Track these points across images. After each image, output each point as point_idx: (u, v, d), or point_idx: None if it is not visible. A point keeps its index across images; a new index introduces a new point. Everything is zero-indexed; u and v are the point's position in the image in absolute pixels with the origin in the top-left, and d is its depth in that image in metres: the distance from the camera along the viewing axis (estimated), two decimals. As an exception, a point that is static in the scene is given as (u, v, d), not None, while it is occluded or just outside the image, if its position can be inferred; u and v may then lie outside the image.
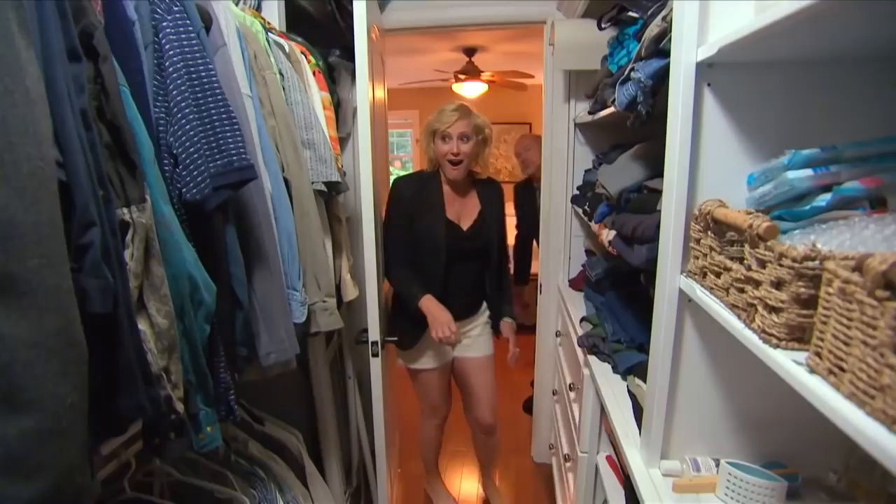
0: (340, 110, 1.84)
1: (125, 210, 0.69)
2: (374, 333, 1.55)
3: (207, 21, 0.92)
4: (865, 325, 0.41)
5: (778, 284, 0.53)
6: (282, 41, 1.28)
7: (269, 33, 1.21)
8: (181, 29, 0.79)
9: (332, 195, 1.36)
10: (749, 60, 0.73)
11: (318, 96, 1.36)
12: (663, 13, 0.84)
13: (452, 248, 1.70)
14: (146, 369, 0.70)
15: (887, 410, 0.39)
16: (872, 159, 0.61)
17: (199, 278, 0.79)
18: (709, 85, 0.75)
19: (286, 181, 1.14)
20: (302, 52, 1.38)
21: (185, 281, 0.77)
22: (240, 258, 0.91)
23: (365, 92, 1.36)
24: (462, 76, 4.30)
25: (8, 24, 0.50)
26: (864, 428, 0.40)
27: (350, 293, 1.47)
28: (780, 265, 0.52)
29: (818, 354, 0.48)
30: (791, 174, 0.62)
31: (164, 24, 0.77)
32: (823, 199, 0.59)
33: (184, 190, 0.77)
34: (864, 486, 0.78)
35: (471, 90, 4.44)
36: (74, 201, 0.61)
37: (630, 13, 1.17)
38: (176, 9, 0.79)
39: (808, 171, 0.61)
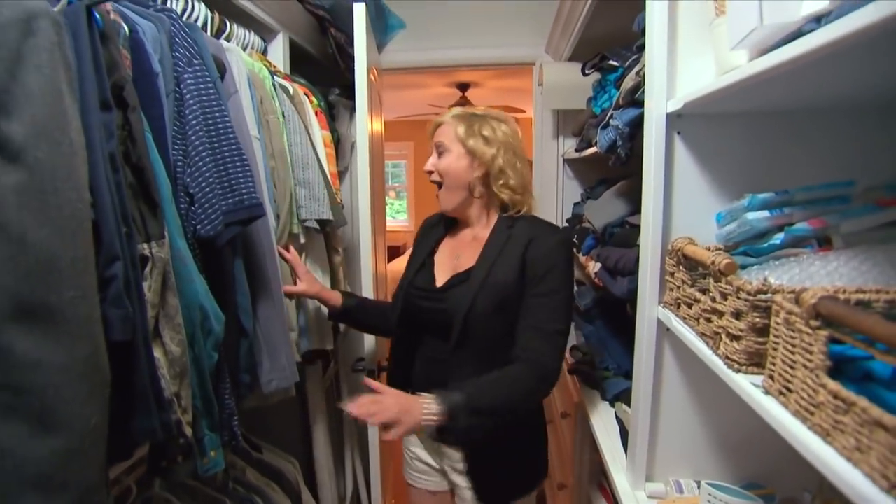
0: (340, 146, 1.92)
1: (145, 245, 0.75)
2: (371, 361, 1.59)
3: (222, 70, 1.00)
4: (804, 350, 0.48)
5: (737, 315, 0.59)
6: (286, 84, 1.37)
7: (275, 76, 1.30)
8: (200, 80, 0.87)
9: (326, 230, 1.43)
10: (712, 112, 0.82)
11: (319, 135, 1.44)
12: (637, 68, 0.94)
13: (407, 311, 1.15)
14: (160, 394, 0.74)
15: (822, 424, 0.45)
16: (819, 202, 0.69)
17: (209, 308, 0.84)
18: (678, 133, 0.84)
19: (277, 217, 1.20)
20: (305, 94, 1.47)
21: (196, 311, 0.82)
22: (246, 289, 0.96)
23: (364, 133, 1.44)
24: (455, 110, 4.46)
25: (59, 84, 0.57)
26: (805, 440, 0.45)
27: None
28: (738, 298, 0.59)
29: (771, 377, 0.54)
30: (750, 215, 0.70)
31: (186, 76, 0.85)
32: (778, 238, 0.67)
33: (198, 226, 0.83)
34: (837, 503, 0.83)
35: (464, 123, 4.59)
36: (101, 237, 0.67)
37: (611, 61, 1.27)
38: (196, 62, 0.87)
39: (766, 213, 0.69)
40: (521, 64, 2.33)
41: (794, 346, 0.49)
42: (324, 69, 1.93)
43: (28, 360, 0.53)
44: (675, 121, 0.83)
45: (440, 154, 1.12)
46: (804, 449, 0.46)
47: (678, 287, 0.80)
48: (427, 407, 0.89)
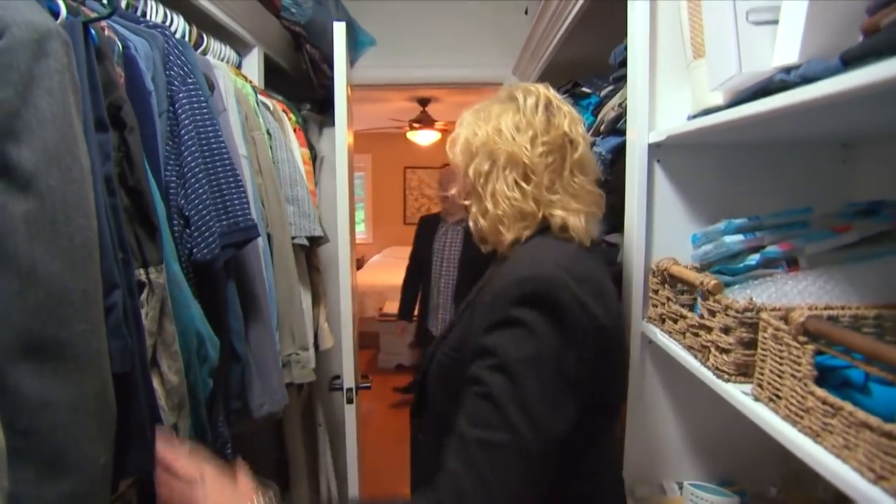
0: (316, 162, 1.90)
1: (142, 271, 0.72)
2: (348, 380, 1.57)
3: (211, 87, 0.98)
4: (793, 362, 0.54)
5: (726, 330, 0.66)
6: (266, 101, 1.35)
7: (257, 95, 1.28)
8: (194, 99, 0.85)
9: (312, 248, 1.41)
10: (689, 143, 0.90)
11: (298, 153, 1.43)
12: (618, 100, 1.02)
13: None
14: (158, 427, 0.71)
15: (812, 426, 0.52)
16: (785, 226, 0.78)
17: (205, 334, 0.82)
18: (658, 161, 0.91)
19: (268, 236, 1.18)
20: (283, 111, 1.45)
21: (192, 337, 0.79)
22: (239, 312, 0.94)
23: (344, 149, 1.45)
24: (416, 125, 4.51)
25: (69, 107, 0.55)
26: (798, 441, 0.52)
27: (327, 341, 1.50)
28: (727, 315, 0.65)
29: (760, 385, 0.61)
30: (727, 238, 0.77)
31: (181, 95, 0.83)
32: (753, 259, 0.74)
33: (195, 250, 0.81)
34: (797, 494, 0.92)
35: (424, 138, 4.66)
36: (100, 265, 0.65)
37: (583, 88, 1.36)
38: (190, 80, 0.85)
39: (740, 237, 0.77)
40: (488, 84, 2.41)
41: (781, 358, 0.56)
42: (294, 84, 1.91)
43: (36, 400, 0.50)
44: (655, 150, 0.91)
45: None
46: (797, 449, 0.52)
47: (663, 304, 0.86)
48: None
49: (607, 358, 0.67)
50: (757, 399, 0.60)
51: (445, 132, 4.68)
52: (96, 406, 0.55)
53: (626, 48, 1.07)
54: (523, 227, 0.73)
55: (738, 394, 0.63)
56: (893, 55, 0.44)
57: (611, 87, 1.13)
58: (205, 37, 1.24)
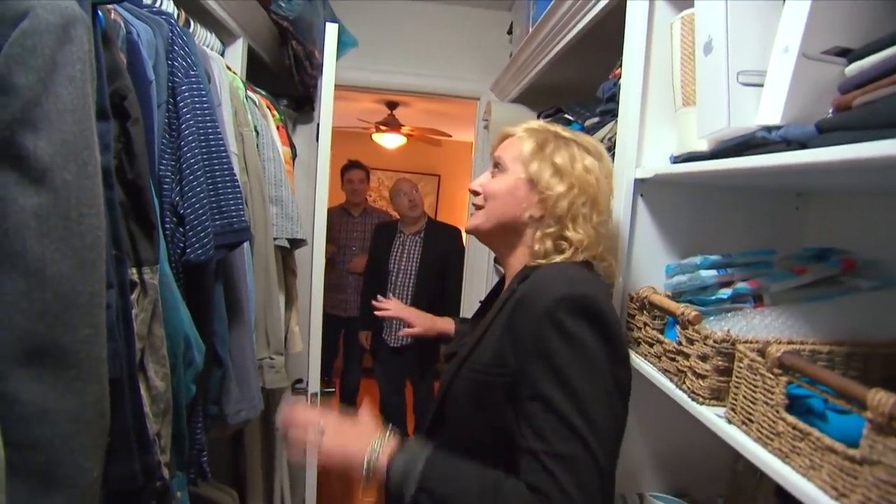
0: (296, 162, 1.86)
1: (134, 271, 0.69)
2: (313, 384, 1.54)
3: (207, 80, 0.94)
4: (766, 390, 0.61)
5: (703, 358, 0.73)
6: (253, 96, 1.31)
7: (246, 90, 1.24)
8: (196, 93, 0.82)
9: (290, 250, 1.38)
10: (670, 181, 0.98)
11: (280, 151, 1.39)
12: (605, 133, 1.08)
13: None
14: (143, 434, 0.67)
15: (782, 448, 0.59)
16: (752, 265, 0.87)
17: (192, 338, 0.78)
18: (642, 195, 0.98)
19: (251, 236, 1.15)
20: (268, 107, 1.41)
21: (180, 341, 0.76)
22: (224, 316, 0.91)
23: (326, 150, 1.43)
24: (383, 127, 4.48)
25: (88, 98, 0.52)
26: (768, 461, 0.58)
27: (297, 345, 1.47)
28: (705, 344, 0.72)
29: (733, 409, 0.67)
30: (703, 272, 0.85)
31: (183, 87, 0.80)
32: (725, 293, 0.82)
33: (188, 250, 0.78)
34: (741, 505, 1.01)
35: (390, 141, 4.64)
36: (96, 263, 0.61)
37: (566, 115, 1.43)
38: (193, 73, 0.82)
39: (714, 272, 0.85)
40: (465, 98, 2.45)
41: (755, 386, 0.63)
42: (271, 78, 1.86)
43: (35, 409, 0.47)
44: (640, 185, 0.98)
45: (494, 173, 0.86)
46: (767, 468, 0.59)
47: (640, 328, 0.93)
48: (371, 456, 0.67)
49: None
50: (730, 422, 0.67)
51: (411, 137, 4.68)
52: (94, 416, 0.52)
53: (615, 84, 1.14)
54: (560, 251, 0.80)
55: (712, 416, 0.70)
56: (863, 131, 0.51)
57: (597, 120, 1.20)
58: (192, 22, 1.19)
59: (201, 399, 0.85)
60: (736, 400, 0.67)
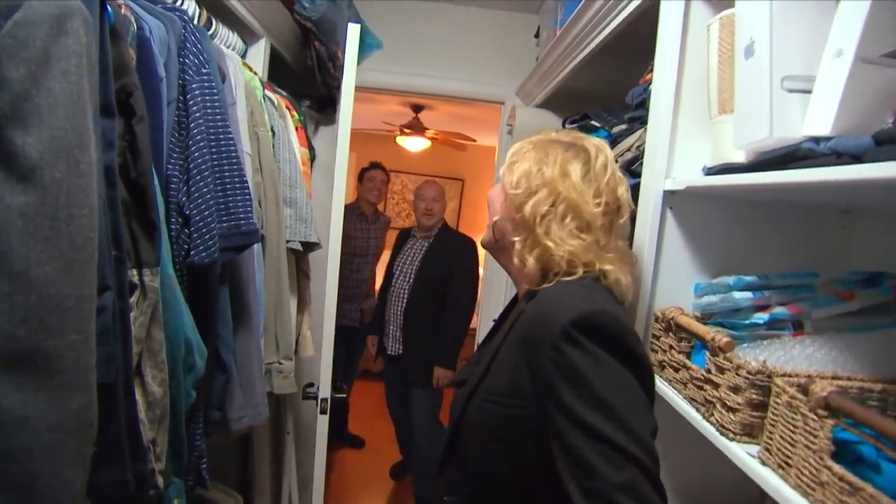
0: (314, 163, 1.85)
1: (135, 272, 0.67)
2: (324, 389, 1.52)
3: (222, 78, 0.93)
4: (808, 433, 0.54)
5: (735, 389, 0.66)
6: (271, 95, 1.30)
7: (264, 89, 1.23)
8: (207, 92, 0.80)
9: (304, 253, 1.36)
10: (701, 194, 0.91)
11: (298, 152, 1.38)
12: (633, 141, 1.02)
13: None
14: (137, 441, 0.65)
15: (826, 502, 0.52)
16: (792, 288, 0.79)
17: (194, 342, 0.76)
18: (671, 208, 0.92)
19: (262, 238, 1.13)
20: (287, 107, 1.40)
21: (180, 345, 0.74)
22: (229, 320, 0.88)
23: (345, 153, 1.41)
24: (407, 130, 4.48)
25: (84, 94, 0.50)
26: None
27: (308, 349, 1.45)
28: (738, 374, 0.66)
29: (767, 450, 0.61)
30: (737, 294, 0.78)
31: (194, 85, 0.78)
32: (761, 318, 0.75)
33: (193, 252, 0.76)
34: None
35: (414, 144, 4.63)
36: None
37: (592, 121, 1.37)
38: (205, 71, 0.81)
39: (749, 294, 0.78)
40: (490, 102, 2.41)
41: (795, 426, 0.56)
42: (295, 79, 1.86)
43: (14, 418, 0.45)
44: (670, 197, 0.92)
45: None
46: (809, 523, 0.52)
47: (664, 350, 0.86)
48: None
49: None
50: (764, 463, 0.61)
51: (435, 140, 4.66)
52: (78, 424, 0.50)
53: (645, 90, 1.08)
54: (569, 273, 0.72)
55: (742, 454, 0.63)
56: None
57: (625, 127, 1.14)
58: (213, 21, 1.19)
59: (202, 404, 0.83)
60: (771, 439, 0.60)
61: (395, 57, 2.27)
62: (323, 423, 1.52)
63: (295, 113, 1.43)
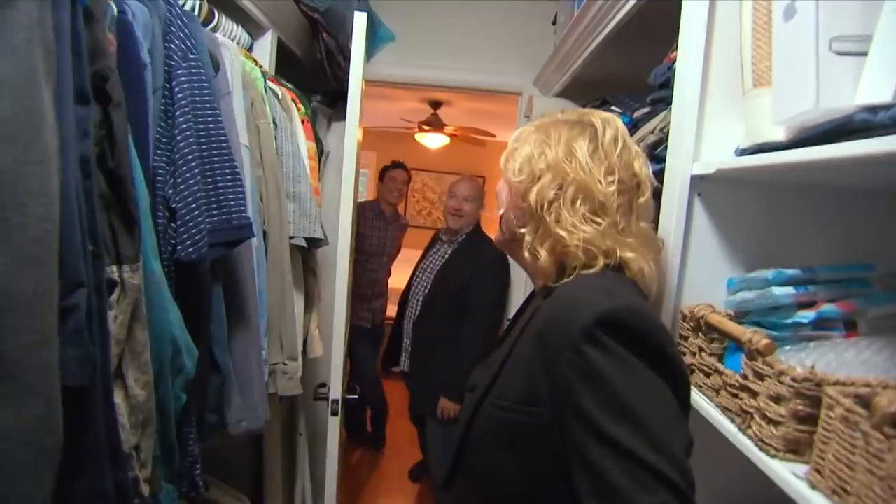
0: (322, 157, 1.82)
1: (114, 268, 0.63)
2: (335, 390, 1.48)
3: (216, 67, 0.89)
4: (872, 455, 0.46)
5: (777, 399, 0.57)
6: (275, 87, 1.26)
7: (266, 80, 1.20)
8: (195, 78, 0.76)
9: (310, 249, 1.32)
10: (732, 178, 0.82)
11: (304, 146, 1.34)
12: (657, 123, 0.94)
13: None
14: (117, 448, 0.61)
15: (895, 537, 0.43)
16: (843, 283, 0.70)
17: (182, 342, 0.72)
18: (699, 195, 0.83)
19: (264, 234, 1.09)
20: (293, 100, 1.36)
21: (167, 345, 0.70)
22: (224, 318, 0.84)
23: (353, 147, 1.36)
24: (426, 127, 4.43)
25: (36, 73, 0.46)
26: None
27: (316, 349, 1.41)
28: (780, 382, 0.57)
29: (818, 471, 0.52)
30: (777, 290, 0.69)
31: (180, 71, 0.74)
32: (806, 317, 0.66)
33: (179, 247, 0.72)
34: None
35: (433, 141, 4.58)
36: (64, 258, 0.55)
37: (613, 108, 1.28)
38: (192, 56, 0.77)
39: (791, 290, 0.69)
40: (507, 93, 2.33)
41: (853, 446, 0.48)
42: (305, 73, 1.83)
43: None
44: (698, 183, 0.83)
45: None
46: (871, 562, 0.44)
47: (693, 353, 0.78)
48: None
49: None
50: (814, 487, 0.52)
51: (455, 137, 4.60)
52: (38, 432, 0.46)
53: (669, 69, 0.99)
54: (588, 265, 0.63)
55: (787, 475, 0.55)
56: None
57: (647, 110, 1.05)
58: (216, 13, 1.15)
59: (196, 407, 0.79)
60: (823, 459, 0.52)
61: (409, 49, 2.21)
62: (334, 425, 1.48)
63: (301, 106, 1.39)
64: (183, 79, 0.74)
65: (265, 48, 1.48)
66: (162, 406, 0.72)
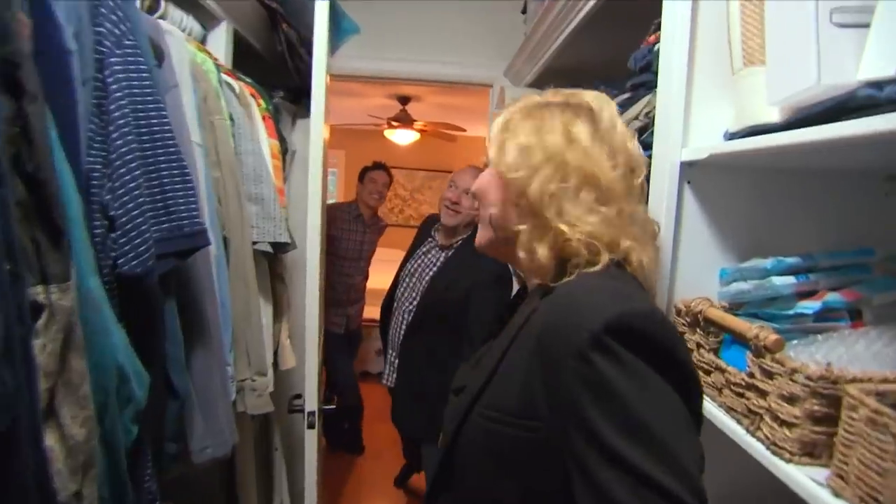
0: (286, 156, 1.71)
1: (40, 289, 0.53)
2: (311, 402, 1.39)
3: (160, 57, 0.79)
4: (903, 458, 0.42)
5: (790, 399, 0.54)
6: (232, 82, 1.16)
7: (220, 71, 1.10)
8: (132, 67, 0.67)
9: (276, 254, 1.23)
10: (724, 164, 0.79)
11: (266, 144, 1.25)
12: (642, 109, 0.89)
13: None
14: (50, 499, 0.52)
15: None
16: (842, 269, 0.67)
17: (129, 368, 0.63)
18: (689, 183, 0.79)
19: (224, 240, 1.00)
20: (252, 95, 1.27)
21: (111, 373, 0.61)
22: (179, 336, 0.76)
23: (320, 143, 1.28)
24: (395, 123, 4.34)
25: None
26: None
27: (288, 360, 1.32)
28: (793, 381, 0.53)
29: (841, 477, 0.48)
30: (777, 280, 0.66)
31: (113, 59, 0.65)
32: (809, 308, 0.63)
33: (121, 261, 0.63)
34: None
35: (402, 137, 4.50)
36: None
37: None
38: (127, 43, 0.67)
39: (792, 279, 0.66)
40: (478, 84, 2.28)
41: (883, 451, 0.44)
42: (267, 68, 1.72)
43: None
44: (687, 170, 0.79)
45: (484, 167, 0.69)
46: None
47: (692, 350, 0.74)
48: None
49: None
50: (838, 494, 0.48)
51: (424, 132, 4.52)
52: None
53: (650, 52, 0.95)
54: (591, 262, 0.58)
55: (806, 481, 0.51)
56: None
57: (628, 95, 1.01)
58: (161, 1, 1.05)
59: (151, 439, 0.70)
60: (847, 464, 0.48)
61: (375, 42, 2.13)
62: (312, 439, 1.40)
63: (262, 101, 1.29)
64: (117, 68, 0.65)
65: (220, 40, 1.37)
66: (109, 442, 0.63)
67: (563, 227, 0.58)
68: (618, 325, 0.49)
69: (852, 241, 0.74)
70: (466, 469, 0.61)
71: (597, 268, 0.57)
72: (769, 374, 0.57)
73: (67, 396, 0.56)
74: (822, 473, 0.51)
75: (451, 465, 0.62)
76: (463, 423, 0.60)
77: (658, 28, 1.01)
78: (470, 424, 0.60)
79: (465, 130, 4.49)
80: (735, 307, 0.76)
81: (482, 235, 0.69)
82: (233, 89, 1.13)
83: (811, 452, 0.53)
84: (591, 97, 0.65)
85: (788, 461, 0.54)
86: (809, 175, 0.79)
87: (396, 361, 1.83)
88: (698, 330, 0.73)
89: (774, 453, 0.55)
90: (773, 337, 0.56)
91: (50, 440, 0.54)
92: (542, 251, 0.59)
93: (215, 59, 1.13)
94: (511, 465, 0.56)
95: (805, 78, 0.56)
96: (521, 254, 0.62)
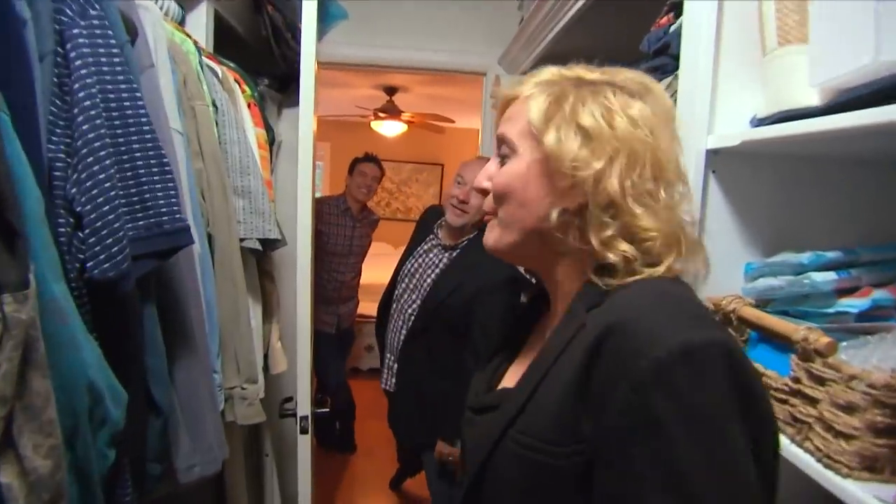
0: (274, 147, 1.62)
1: (-7, 299, 0.46)
2: (303, 406, 1.32)
3: (133, 34, 0.71)
4: None
5: (848, 409, 0.49)
6: (214, 66, 1.07)
7: (201, 54, 1.01)
8: (99, 41, 0.59)
9: (265, 251, 1.15)
10: (749, 152, 0.74)
11: (252, 133, 1.16)
12: (660, 94, 0.84)
13: None
14: (9, 547, 0.45)
15: None
16: (882, 264, 0.62)
17: (102, 386, 0.56)
18: (714, 172, 0.74)
19: (209, 236, 0.92)
20: (236, 80, 1.18)
21: (81, 392, 0.54)
22: (161, 346, 0.68)
23: (309, 133, 1.20)
24: (382, 114, 4.24)
25: None
26: None
27: (280, 364, 1.25)
28: (851, 388, 0.48)
29: (911, 495, 0.44)
30: (817, 276, 0.61)
31: (76, 31, 0.56)
32: (854, 305, 0.58)
33: (90, 264, 0.55)
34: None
35: (390, 129, 4.40)
36: None
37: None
38: (93, 13, 0.59)
39: (832, 275, 0.61)
40: (470, 73, 2.21)
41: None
42: (252, 55, 1.62)
43: None
44: (713, 158, 0.74)
45: (503, 159, 0.57)
46: None
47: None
48: None
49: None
50: (908, 516, 0.44)
51: (412, 124, 4.43)
52: None
53: (666, 33, 0.89)
54: (652, 265, 0.50)
55: (868, 498, 0.46)
56: None
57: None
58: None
59: (130, 461, 0.63)
60: (914, 480, 0.43)
61: (364, 28, 2.04)
62: (305, 445, 1.33)
63: (246, 88, 1.21)
64: (82, 41, 0.56)
65: (200, 21, 1.27)
66: (82, 469, 0.55)
67: (643, 223, 0.49)
68: (693, 353, 0.41)
69: (884, 234, 0.70)
70: (502, 495, 0.53)
71: (659, 269, 0.49)
72: (820, 380, 0.52)
73: (28, 423, 0.48)
74: (886, 491, 0.46)
75: (478, 496, 0.55)
76: (494, 451, 0.52)
77: (671, 9, 0.95)
78: (501, 454, 0.52)
79: (453, 122, 4.41)
80: (761, 304, 0.72)
81: (502, 238, 0.57)
82: (215, 73, 1.04)
83: (872, 467, 0.49)
84: (636, 77, 0.56)
85: (846, 476, 0.49)
86: (839, 163, 0.74)
87: (396, 366, 1.73)
88: (729, 331, 0.68)
89: (828, 467, 0.51)
90: (826, 340, 0.51)
91: (7, 476, 0.46)
92: (621, 248, 0.49)
93: (195, 41, 1.04)
94: (545, 498, 0.49)
95: (858, 56, 0.51)
96: (566, 259, 0.54)
